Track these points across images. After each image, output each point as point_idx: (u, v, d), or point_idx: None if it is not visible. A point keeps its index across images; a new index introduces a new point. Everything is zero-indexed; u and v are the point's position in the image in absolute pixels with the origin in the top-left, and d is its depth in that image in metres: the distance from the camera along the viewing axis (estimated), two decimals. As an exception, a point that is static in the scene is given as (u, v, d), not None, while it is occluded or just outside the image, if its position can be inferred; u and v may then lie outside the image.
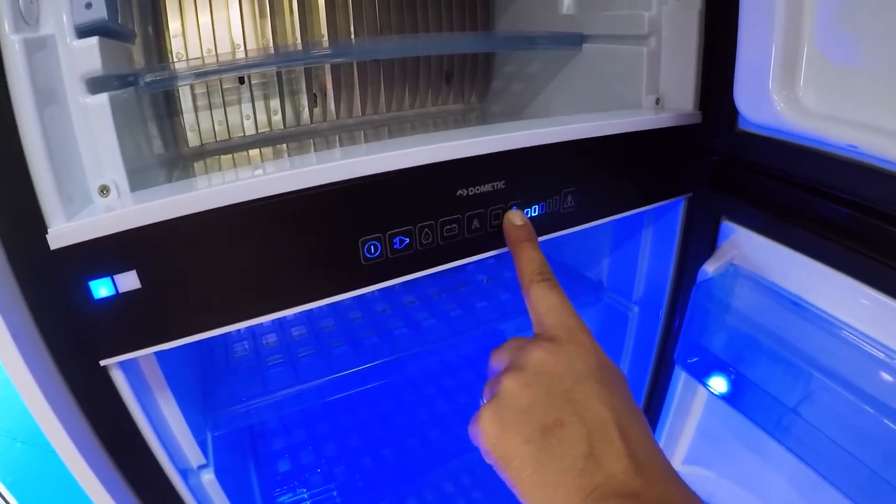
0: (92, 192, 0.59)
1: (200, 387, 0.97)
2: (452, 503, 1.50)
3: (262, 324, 0.66)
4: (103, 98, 0.58)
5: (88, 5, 0.57)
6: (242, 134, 1.14)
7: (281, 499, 1.18)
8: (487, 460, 0.58)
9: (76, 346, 0.60)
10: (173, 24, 1.02)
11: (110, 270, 0.55)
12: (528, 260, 0.69)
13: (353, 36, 1.15)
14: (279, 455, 1.32)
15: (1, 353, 0.54)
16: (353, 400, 1.46)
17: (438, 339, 1.09)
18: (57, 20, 0.55)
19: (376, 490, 1.22)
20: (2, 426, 3.67)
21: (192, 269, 0.60)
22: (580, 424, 0.53)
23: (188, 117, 1.09)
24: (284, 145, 1.11)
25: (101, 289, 0.55)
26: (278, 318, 0.69)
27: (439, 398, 1.50)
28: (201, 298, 0.61)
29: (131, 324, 0.59)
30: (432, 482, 1.52)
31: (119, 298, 0.56)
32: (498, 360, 0.66)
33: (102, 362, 0.60)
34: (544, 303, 0.65)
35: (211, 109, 1.10)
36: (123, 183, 0.60)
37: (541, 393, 0.56)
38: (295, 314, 0.68)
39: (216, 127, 1.11)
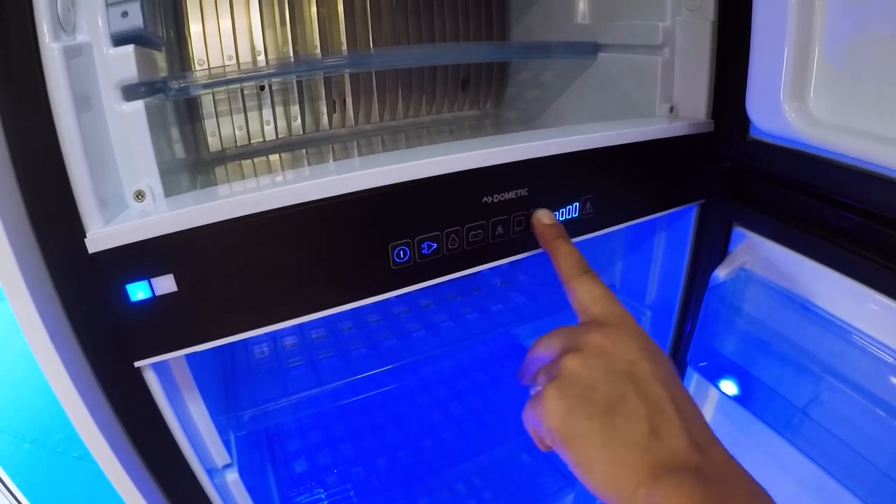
0: (127, 197, 0.61)
1: (222, 387, 0.98)
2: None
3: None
4: (139, 105, 0.60)
5: (125, 14, 0.59)
6: (262, 139, 1.16)
7: (298, 498, 1.19)
8: (548, 440, 0.59)
9: (111, 348, 0.62)
10: (195, 30, 1.04)
11: (148, 274, 0.57)
12: (566, 255, 0.71)
13: (371, 42, 1.17)
14: (296, 456, 1.33)
15: (39, 355, 0.56)
16: (369, 401, 1.47)
17: (455, 341, 1.11)
18: (93, 28, 0.57)
19: (391, 490, 1.23)
20: (11, 427, 3.69)
21: (229, 272, 0.62)
22: (640, 402, 0.55)
23: (209, 122, 1.11)
24: (304, 151, 1.13)
25: (138, 292, 0.57)
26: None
27: (453, 400, 1.52)
28: (237, 301, 0.63)
29: (167, 326, 0.61)
30: (445, 483, 1.53)
31: (155, 301, 0.58)
32: (546, 346, 0.67)
33: (137, 363, 0.62)
34: (589, 294, 0.67)
35: (232, 115, 1.12)
36: (158, 188, 0.62)
37: (601, 372, 0.58)
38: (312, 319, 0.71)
39: (237, 132, 1.13)
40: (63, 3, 0.53)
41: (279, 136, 1.17)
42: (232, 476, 0.83)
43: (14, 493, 2.50)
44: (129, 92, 0.60)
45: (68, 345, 0.59)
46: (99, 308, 0.59)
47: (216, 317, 0.63)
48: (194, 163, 1.05)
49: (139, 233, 0.56)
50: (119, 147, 0.60)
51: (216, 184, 0.83)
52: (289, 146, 1.16)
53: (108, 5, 0.58)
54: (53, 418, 4.28)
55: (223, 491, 0.81)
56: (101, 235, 0.55)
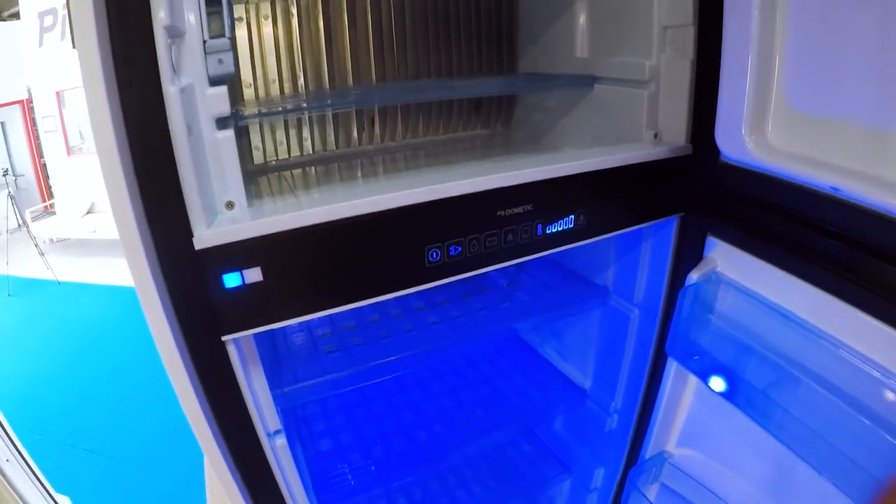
0: (219, 206, 0.78)
1: (270, 368, 1.13)
2: (468, 486, 1.67)
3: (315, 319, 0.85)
4: (230, 133, 0.77)
5: (220, 61, 0.75)
6: (300, 153, 1.32)
7: (326, 473, 1.33)
8: None
9: (206, 325, 0.78)
10: (242, 52, 1.19)
11: (241, 266, 0.74)
12: None
13: (395, 68, 1.33)
14: (321, 436, 1.48)
15: (155, 329, 0.73)
16: (388, 388, 1.63)
17: (466, 332, 1.27)
18: (195, 72, 0.73)
19: (407, 468, 1.37)
20: (22, 419, 3.80)
21: (302, 266, 0.79)
22: None
23: (254, 138, 1.27)
24: (336, 165, 1.29)
25: (232, 281, 0.74)
26: (329, 315, 0.86)
27: (463, 389, 1.66)
28: (307, 289, 0.81)
29: (252, 307, 0.78)
30: (452, 466, 1.67)
31: (245, 288, 0.75)
32: None
33: (224, 338, 0.79)
34: None
35: (274, 132, 1.29)
36: (243, 199, 0.79)
37: None
38: (344, 311, 0.86)
39: (278, 147, 1.30)
40: (175, 53, 0.69)
41: (315, 151, 1.34)
42: (281, 441, 0.98)
43: (42, 480, 2.61)
44: (221, 122, 0.76)
45: (171, 323, 0.75)
46: (199, 293, 0.75)
47: (291, 300, 0.80)
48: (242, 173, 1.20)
49: (236, 235, 0.73)
50: (213, 165, 0.77)
51: (262, 193, 1.00)
52: (323, 160, 1.33)
53: (206, 54, 0.74)
54: (64, 411, 4.41)
55: (275, 453, 0.97)
56: (205, 236, 0.72)
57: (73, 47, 0.69)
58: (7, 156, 9.60)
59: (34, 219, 8.26)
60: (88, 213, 8.13)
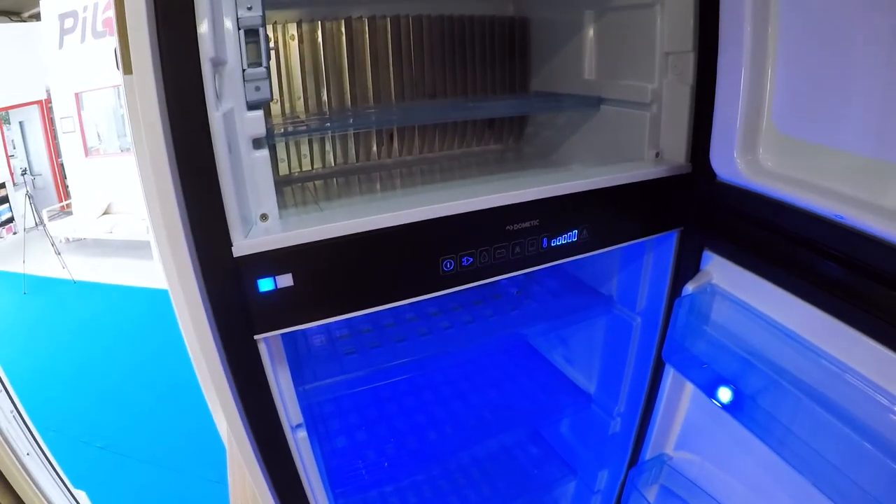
0: (254, 218, 0.86)
1: (291, 368, 1.21)
2: (476, 486, 1.73)
3: (335, 322, 0.92)
4: (265, 152, 0.85)
5: (258, 88, 0.83)
6: (322, 166, 1.40)
7: (341, 466, 1.40)
8: None
9: (240, 324, 0.86)
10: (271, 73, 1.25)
11: (274, 273, 0.82)
12: None
13: (413, 87, 1.41)
14: (337, 433, 1.55)
15: (196, 329, 0.81)
16: (401, 389, 1.70)
17: (477, 337, 1.34)
18: (235, 98, 0.81)
19: (418, 465, 1.42)
20: (36, 417, 3.87)
21: (329, 273, 0.87)
22: None
23: (280, 150, 1.35)
24: (357, 177, 1.37)
25: (266, 285, 0.82)
26: (348, 319, 0.93)
27: (472, 392, 1.72)
28: (333, 294, 0.89)
29: (283, 310, 0.86)
30: (461, 466, 1.73)
31: (277, 292, 0.83)
32: None
33: (256, 336, 0.87)
34: None
35: (298, 145, 1.36)
36: (275, 212, 0.87)
37: None
38: (361, 316, 0.94)
39: (302, 160, 1.38)
40: (218, 82, 0.77)
41: (336, 164, 1.41)
42: (302, 434, 1.06)
43: (60, 474, 2.67)
44: (257, 142, 0.85)
45: (209, 321, 0.83)
46: (236, 296, 0.83)
47: (318, 304, 0.88)
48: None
49: (270, 244, 0.81)
50: (248, 181, 0.85)
51: (288, 204, 1.07)
52: (343, 172, 1.40)
53: (245, 82, 0.81)
54: (78, 409, 4.49)
55: (297, 444, 1.05)
56: (243, 245, 0.80)
57: (119, 71, 0.77)
58: (25, 155, 9.74)
59: (51, 218, 8.37)
60: (105, 213, 8.24)
